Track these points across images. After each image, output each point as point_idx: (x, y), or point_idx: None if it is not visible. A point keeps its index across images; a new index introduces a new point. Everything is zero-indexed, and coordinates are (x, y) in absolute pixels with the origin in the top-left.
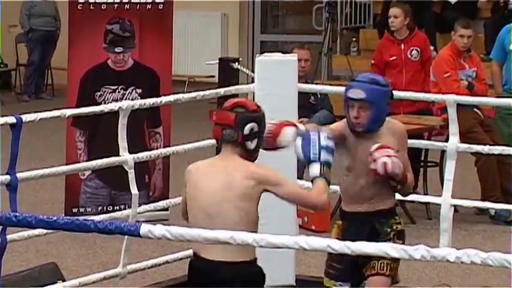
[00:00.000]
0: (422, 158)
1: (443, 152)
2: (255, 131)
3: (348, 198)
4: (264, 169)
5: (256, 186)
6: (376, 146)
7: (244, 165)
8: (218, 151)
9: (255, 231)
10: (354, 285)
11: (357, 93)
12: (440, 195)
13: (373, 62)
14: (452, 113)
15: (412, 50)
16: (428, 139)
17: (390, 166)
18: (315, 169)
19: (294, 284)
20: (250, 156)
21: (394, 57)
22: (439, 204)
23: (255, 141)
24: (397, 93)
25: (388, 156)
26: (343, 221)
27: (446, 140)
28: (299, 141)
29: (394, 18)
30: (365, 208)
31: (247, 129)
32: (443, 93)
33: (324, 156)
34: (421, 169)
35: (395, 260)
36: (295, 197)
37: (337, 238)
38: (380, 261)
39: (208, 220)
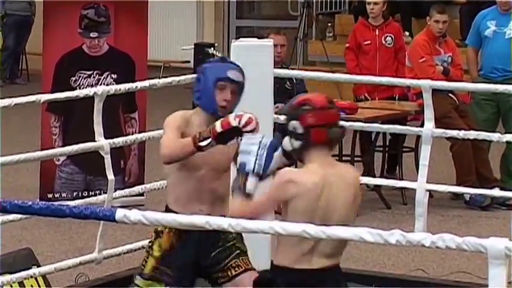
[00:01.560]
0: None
1: (418, 137)
2: None
3: (187, 198)
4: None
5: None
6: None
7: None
8: (298, 158)
9: None
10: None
11: (238, 76)
12: (415, 181)
13: (347, 45)
14: (427, 98)
15: (387, 36)
16: (404, 124)
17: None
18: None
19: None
20: None
21: (368, 42)
22: (414, 189)
23: None
24: (372, 79)
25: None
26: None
27: (422, 126)
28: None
29: (374, 5)
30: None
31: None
32: (419, 79)
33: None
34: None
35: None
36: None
37: (170, 248)
38: (241, 258)
39: None
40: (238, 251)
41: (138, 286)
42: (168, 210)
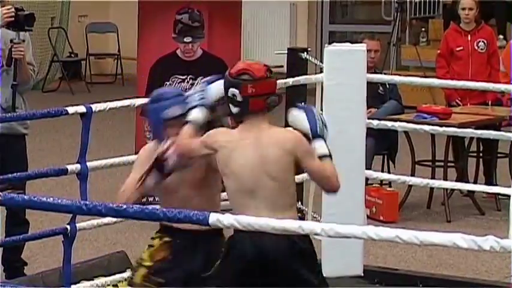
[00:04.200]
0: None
1: None
2: None
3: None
4: (297, 135)
5: (289, 156)
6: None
7: (280, 133)
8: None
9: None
10: None
11: (177, 109)
12: (509, 186)
13: (439, 52)
14: None
15: (479, 41)
16: (498, 130)
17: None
18: (322, 147)
19: (362, 275)
20: None
21: (460, 48)
22: (509, 195)
23: None
24: (466, 84)
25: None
26: (172, 238)
27: None
28: (301, 113)
29: (469, 11)
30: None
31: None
32: None
33: (326, 134)
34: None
35: None
36: (320, 173)
37: (165, 258)
38: None
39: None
40: None
41: None
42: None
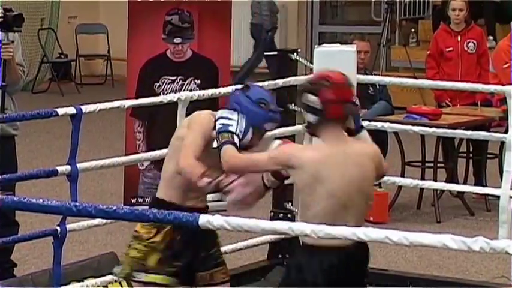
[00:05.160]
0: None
1: (502, 143)
2: None
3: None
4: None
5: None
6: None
7: (367, 147)
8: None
9: None
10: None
11: (273, 126)
12: (499, 187)
13: (429, 52)
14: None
15: (469, 42)
16: (488, 130)
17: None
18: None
19: None
20: None
21: (450, 49)
22: (498, 196)
23: None
24: (456, 85)
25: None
26: None
27: (506, 132)
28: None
29: (459, 11)
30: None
31: None
32: (503, 85)
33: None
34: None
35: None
36: None
37: (175, 238)
38: (216, 270)
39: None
40: (220, 260)
41: (142, 282)
42: (164, 202)
